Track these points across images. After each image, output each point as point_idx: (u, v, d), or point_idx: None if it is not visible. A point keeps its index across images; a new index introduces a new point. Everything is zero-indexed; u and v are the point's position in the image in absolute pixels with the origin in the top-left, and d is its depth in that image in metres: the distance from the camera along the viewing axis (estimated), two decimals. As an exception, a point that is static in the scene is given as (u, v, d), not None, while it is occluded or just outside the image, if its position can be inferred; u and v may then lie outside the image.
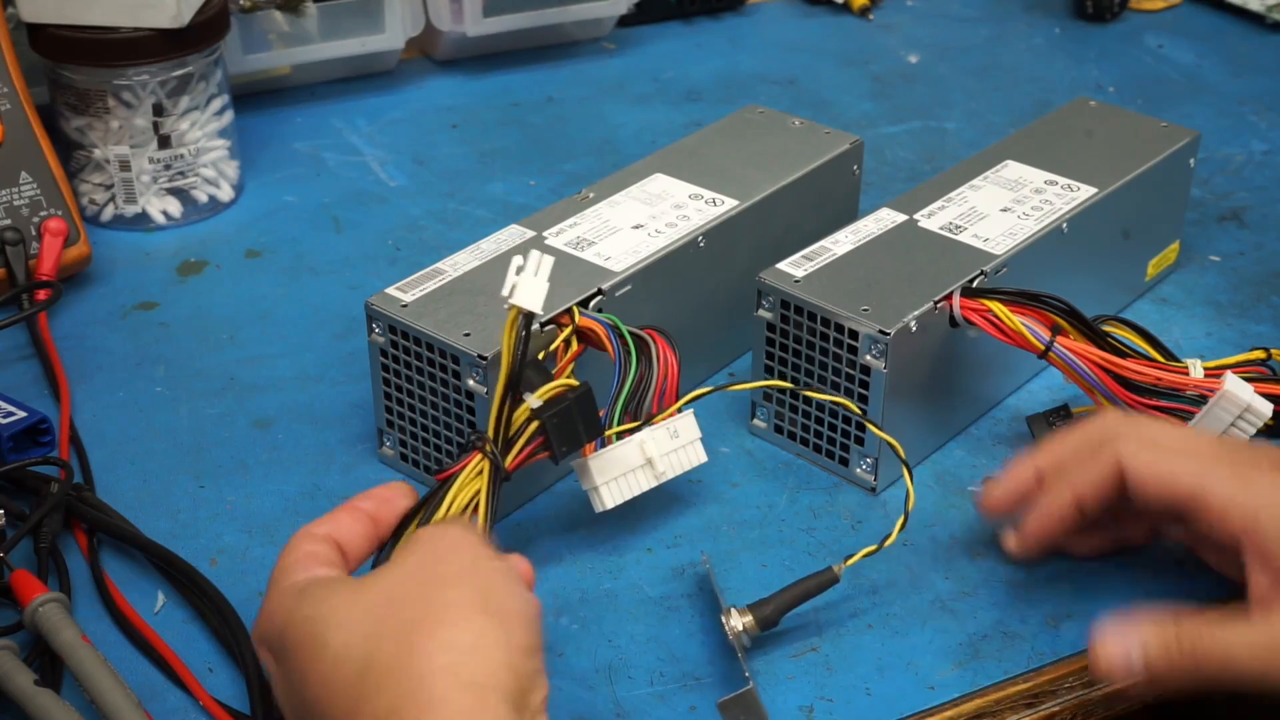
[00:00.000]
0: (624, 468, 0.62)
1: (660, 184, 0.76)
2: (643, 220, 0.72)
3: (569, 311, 0.65)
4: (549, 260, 0.58)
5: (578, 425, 0.59)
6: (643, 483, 0.63)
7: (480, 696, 0.47)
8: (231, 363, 0.78)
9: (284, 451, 0.72)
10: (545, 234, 0.71)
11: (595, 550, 0.66)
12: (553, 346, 0.64)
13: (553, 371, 0.63)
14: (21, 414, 0.70)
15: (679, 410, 0.64)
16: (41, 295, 0.79)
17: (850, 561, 0.61)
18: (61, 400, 0.73)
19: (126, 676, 0.56)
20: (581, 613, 0.63)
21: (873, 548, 0.61)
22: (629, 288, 0.68)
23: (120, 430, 0.73)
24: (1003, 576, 0.64)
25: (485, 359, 0.63)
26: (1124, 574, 0.65)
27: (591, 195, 0.75)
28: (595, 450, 0.62)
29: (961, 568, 0.65)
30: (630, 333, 0.63)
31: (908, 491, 0.61)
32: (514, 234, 0.72)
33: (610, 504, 0.63)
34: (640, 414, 0.63)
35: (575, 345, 0.64)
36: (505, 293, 0.58)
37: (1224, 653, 0.56)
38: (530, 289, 0.58)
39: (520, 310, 0.58)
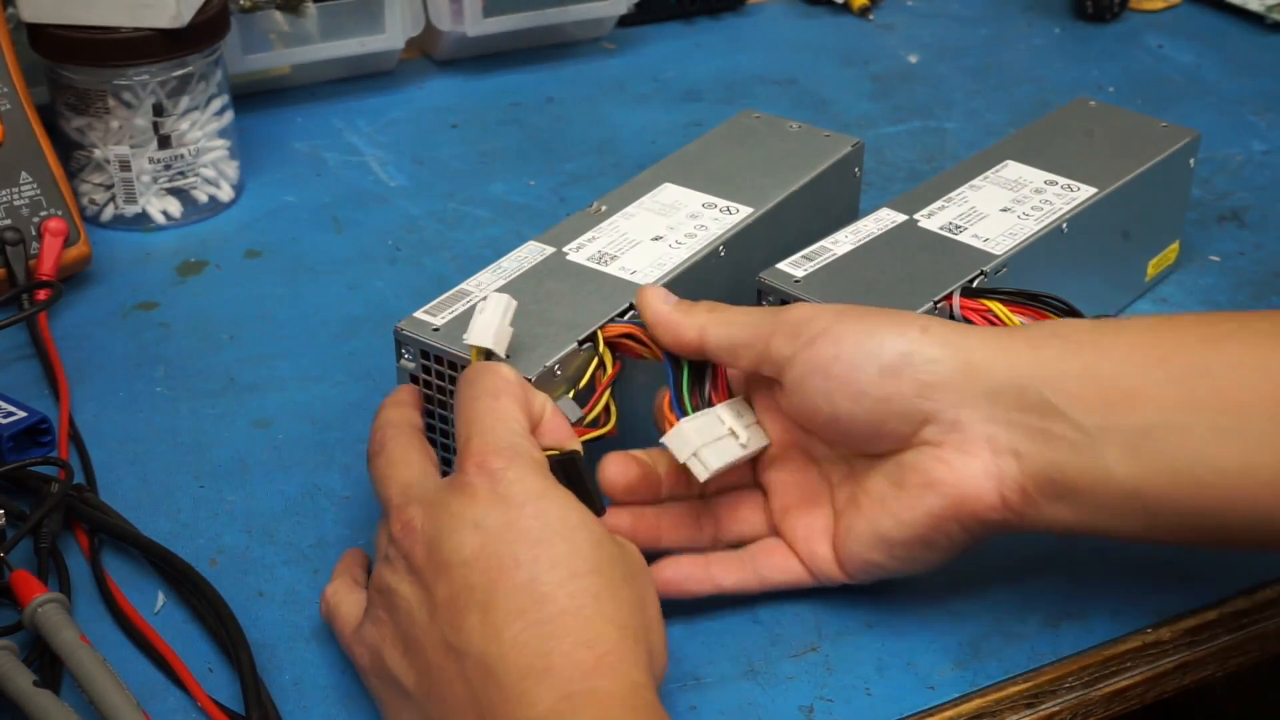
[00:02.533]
0: (714, 434, 0.61)
1: (671, 194, 0.75)
2: (661, 232, 0.72)
3: (594, 334, 0.64)
4: (503, 300, 0.61)
5: (579, 493, 0.57)
6: (734, 450, 0.61)
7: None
8: (231, 363, 0.78)
9: (284, 451, 0.72)
10: (565, 249, 0.70)
11: (595, 550, 0.66)
12: (585, 379, 0.63)
13: (582, 407, 0.62)
14: (21, 414, 0.70)
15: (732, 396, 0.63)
16: (41, 295, 0.79)
17: None
18: (61, 400, 0.73)
19: (126, 676, 0.56)
20: (581, 613, 0.63)
21: None
22: None
23: (120, 430, 0.73)
24: (1002, 576, 0.64)
25: (530, 380, 0.62)
26: (1124, 574, 0.65)
27: (604, 208, 0.74)
28: (678, 421, 0.61)
29: (961, 567, 0.65)
30: None
31: None
32: (534, 250, 0.70)
33: (714, 466, 0.60)
34: (705, 400, 0.62)
35: (610, 367, 0.64)
36: (467, 340, 0.61)
37: (729, 317, 0.61)
38: (483, 327, 0.61)
39: (478, 349, 0.60)
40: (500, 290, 0.67)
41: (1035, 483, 0.57)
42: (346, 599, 0.59)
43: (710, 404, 0.62)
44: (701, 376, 0.63)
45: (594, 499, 0.58)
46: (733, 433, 0.61)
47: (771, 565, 0.62)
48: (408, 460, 0.58)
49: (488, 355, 0.61)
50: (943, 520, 0.58)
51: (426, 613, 0.53)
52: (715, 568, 0.62)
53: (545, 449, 0.58)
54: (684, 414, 0.61)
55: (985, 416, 0.57)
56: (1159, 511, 0.56)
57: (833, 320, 0.59)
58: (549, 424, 0.59)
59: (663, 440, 0.61)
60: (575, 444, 0.59)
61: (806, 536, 0.62)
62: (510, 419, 0.57)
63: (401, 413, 0.61)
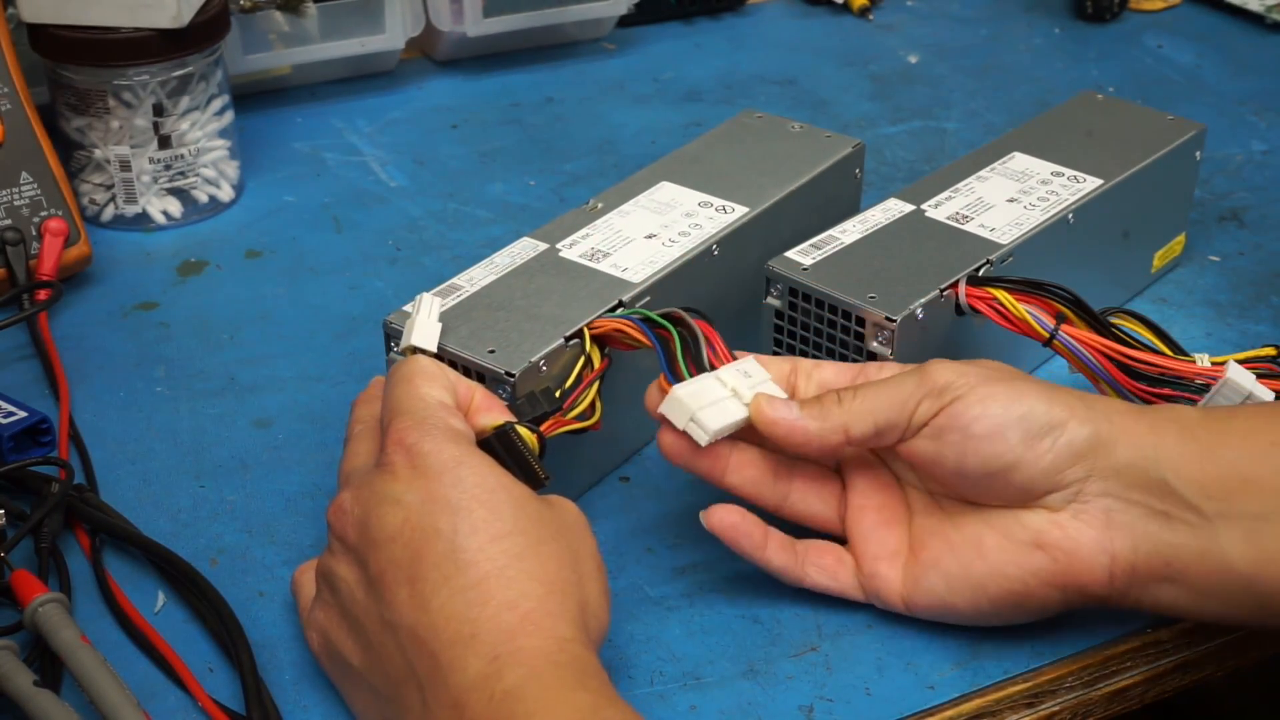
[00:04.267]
0: (711, 398, 0.60)
1: (668, 192, 0.75)
2: (655, 230, 0.72)
3: (579, 332, 0.64)
4: (435, 301, 0.64)
5: (516, 464, 0.58)
6: (736, 411, 0.60)
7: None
8: (231, 363, 0.78)
9: (284, 451, 0.72)
10: (558, 245, 0.71)
11: (595, 550, 0.66)
12: (572, 377, 0.63)
13: (563, 400, 0.62)
14: (22, 414, 0.70)
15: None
16: (42, 295, 0.79)
17: None
18: (61, 400, 0.73)
19: (126, 676, 0.56)
20: (581, 612, 0.63)
21: None
22: (648, 299, 0.68)
23: (120, 430, 0.73)
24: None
25: (513, 376, 0.62)
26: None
27: (600, 205, 0.74)
28: (670, 388, 0.60)
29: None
30: (659, 313, 0.63)
31: None
32: (526, 246, 0.71)
33: (713, 428, 0.59)
34: (704, 366, 0.61)
35: (597, 362, 0.64)
36: (400, 347, 0.63)
37: (869, 404, 0.58)
38: (422, 330, 0.62)
39: (415, 350, 0.62)
40: (492, 284, 0.68)
41: (1147, 562, 0.57)
42: (308, 584, 0.60)
43: (711, 369, 0.61)
44: (697, 345, 0.61)
45: (534, 470, 0.58)
46: (735, 393, 0.60)
47: (820, 568, 0.61)
48: (355, 452, 0.60)
49: (415, 353, 0.62)
50: (1046, 583, 0.58)
51: (363, 591, 0.54)
52: (773, 539, 0.61)
53: (480, 428, 0.59)
54: (678, 381, 0.60)
55: (1107, 490, 0.57)
56: (1271, 598, 0.56)
57: (979, 381, 0.58)
58: (480, 404, 0.60)
59: (660, 410, 0.60)
60: (509, 418, 0.60)
61: (875, 555, 0.61)
62: (424, 397, 0.58)
63: (367, 409, 0.62)
